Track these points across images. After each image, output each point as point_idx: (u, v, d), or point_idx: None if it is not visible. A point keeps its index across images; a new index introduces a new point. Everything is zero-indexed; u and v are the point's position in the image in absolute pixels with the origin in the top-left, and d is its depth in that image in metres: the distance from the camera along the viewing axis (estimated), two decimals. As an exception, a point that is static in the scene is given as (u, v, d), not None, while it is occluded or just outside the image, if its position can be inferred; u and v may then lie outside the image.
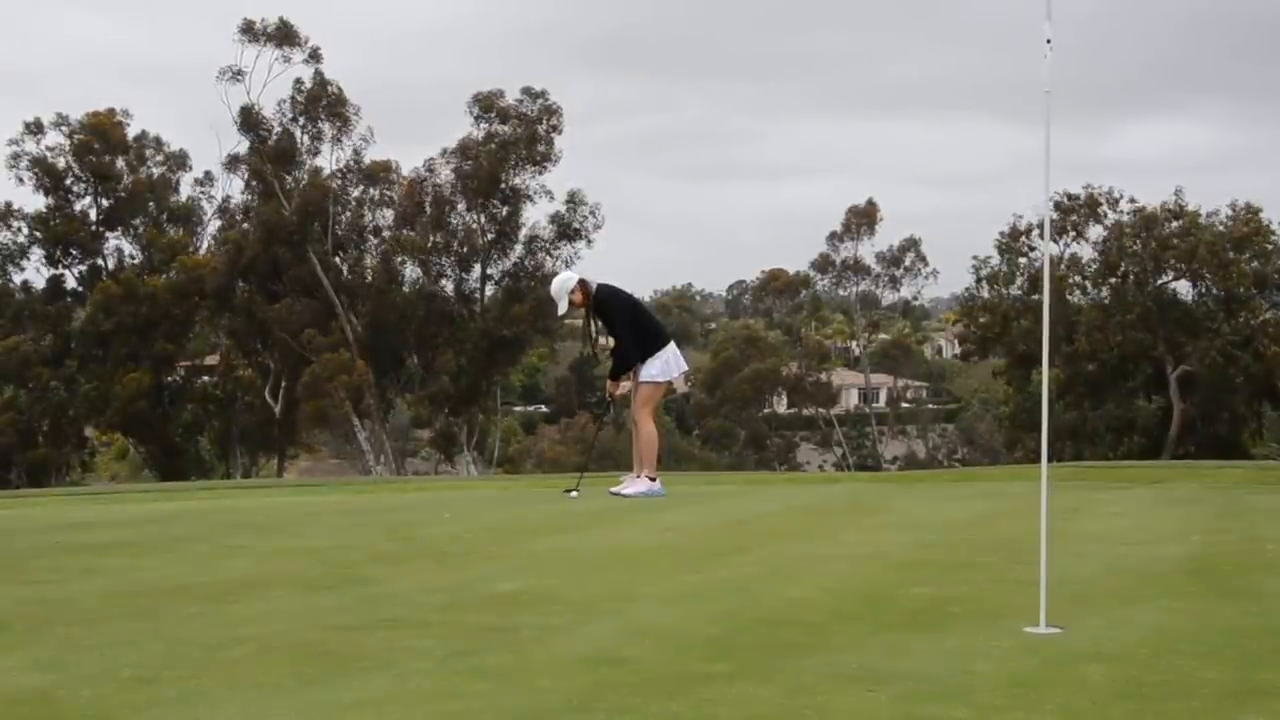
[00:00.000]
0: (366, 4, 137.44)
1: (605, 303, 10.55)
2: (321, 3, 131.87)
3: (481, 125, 43.95)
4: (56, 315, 47.38)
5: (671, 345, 10.61)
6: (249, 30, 43.47)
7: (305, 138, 44.57)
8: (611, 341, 10.61)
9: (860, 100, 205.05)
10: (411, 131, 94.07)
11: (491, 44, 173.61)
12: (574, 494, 10.36)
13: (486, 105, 43.78)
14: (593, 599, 5.14)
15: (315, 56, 43.86)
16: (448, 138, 46.86)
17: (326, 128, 44.33)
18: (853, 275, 58.18)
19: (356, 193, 45.61)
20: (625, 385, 10.69)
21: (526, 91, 43.78)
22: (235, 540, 7.38)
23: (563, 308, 10.66)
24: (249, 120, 43.83)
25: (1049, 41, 4.63)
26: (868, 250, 57.69)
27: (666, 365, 10.50)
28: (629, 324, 10.50)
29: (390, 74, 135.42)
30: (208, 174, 49.14)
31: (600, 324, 10.77)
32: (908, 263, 57.83)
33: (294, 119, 44.19)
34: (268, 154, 43.90)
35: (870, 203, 57.31)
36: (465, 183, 43.94)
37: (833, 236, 57.76)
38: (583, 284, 10.60)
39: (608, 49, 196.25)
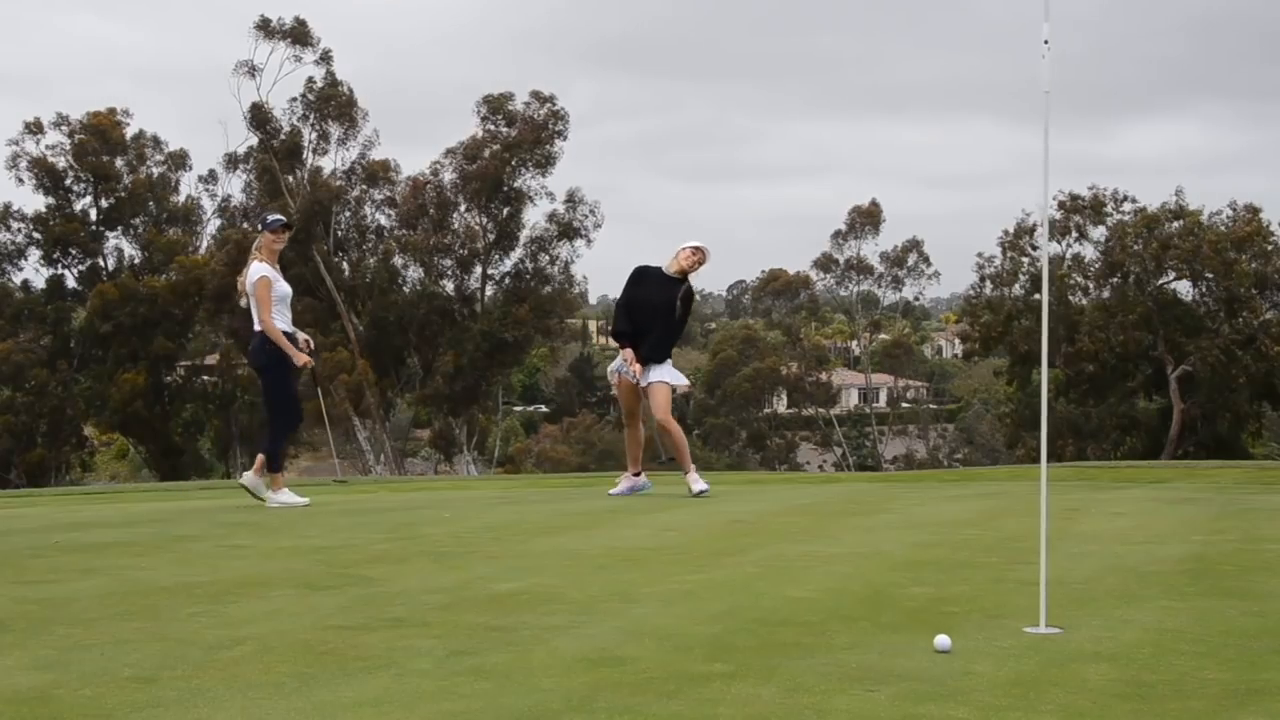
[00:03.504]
0: (370, 5, 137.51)
1: (689, 292, 10.47)
2: (326, 3, 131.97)
3: (488, 126, 43.99)
4: (56, 315, 47.38)
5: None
6: (264, 27, 43.48)
7: (313, 135, 44.61)
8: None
9: (861, 101, 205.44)
10: (414, 132, 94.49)
11: (496, 46, 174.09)
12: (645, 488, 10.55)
13: (495, 107, 43.81)
14: (593, 599, 5.14)
15: (326, 58, 43.94)
16: (450, 139, 46.94)
17: (334, 128, 44.37)
18: (855, 275, 58.25)
19: (356, 192, 45.64)
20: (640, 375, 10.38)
21: (536, 95, 43.87)
22: (235, 540, 7.37)
23: (699, 254, 10.31)
24: (259, 116, 43.86)
25: (1046, 42, 4.64)
26: (871, 250, 57.84)
27: (675, 372, 10.52)
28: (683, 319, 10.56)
29: (395, 75, 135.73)
30: (211, 172, 49.25)
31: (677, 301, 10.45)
32: (910, 263, 57.92)
33: (304, 117, 44.22)
34: (276, 151, 43.91)
35: (874, 203, 57.44)
36: (468, 183, 43.97)
37: (837, 235, 57.84)
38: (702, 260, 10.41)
39: (610, 51, 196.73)
